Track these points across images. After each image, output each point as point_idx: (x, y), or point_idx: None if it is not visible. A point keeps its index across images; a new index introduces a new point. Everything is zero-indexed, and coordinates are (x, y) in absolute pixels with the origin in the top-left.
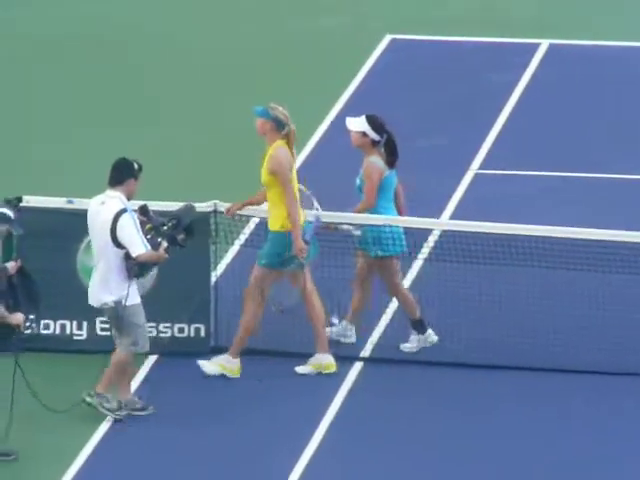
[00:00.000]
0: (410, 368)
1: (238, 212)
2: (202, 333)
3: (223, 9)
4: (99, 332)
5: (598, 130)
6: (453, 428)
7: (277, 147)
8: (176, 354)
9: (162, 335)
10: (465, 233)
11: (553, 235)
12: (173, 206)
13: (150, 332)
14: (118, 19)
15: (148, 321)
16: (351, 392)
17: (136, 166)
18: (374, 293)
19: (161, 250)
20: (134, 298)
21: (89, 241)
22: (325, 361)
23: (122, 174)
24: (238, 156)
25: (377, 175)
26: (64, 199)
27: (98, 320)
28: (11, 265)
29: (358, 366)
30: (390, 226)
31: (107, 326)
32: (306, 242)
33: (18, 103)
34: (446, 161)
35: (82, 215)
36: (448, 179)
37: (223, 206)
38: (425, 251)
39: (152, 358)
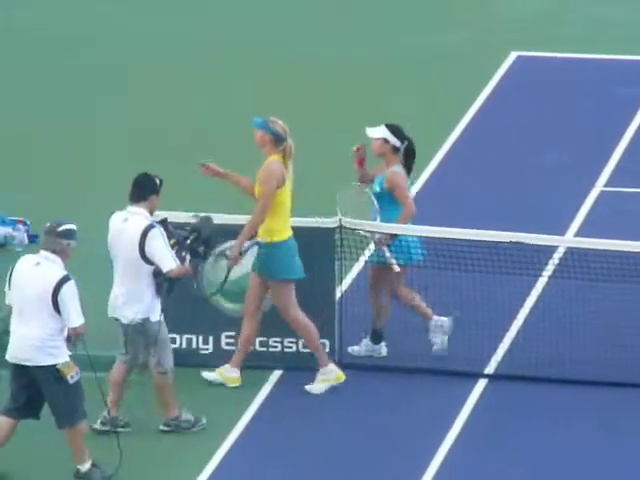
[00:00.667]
0: (532, 385)
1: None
2: (327, 348)
3: (351, 24)
4: (224, 346)
5: None
6: (581, 444)
7: (271, 161)
8: (301, 369)
9: (287, 350)
10: (587, 250)
11: None
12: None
13: (275, 347)
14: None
15: (275, 336)
16: (475, 408)
17: (158, 181)
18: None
19: (187, 264)
20: (160, 315)
21: (214, 257)
22: (333, 373)
23: (145, 190)
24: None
25: (404, 182)
26: (190, 214)
27: (224, 335)
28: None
29: (482, 383)
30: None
31: (232, 340)
32: (240, 254)
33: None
34: (571, 178)
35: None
36: (573, 196)
37: (348, 222)
38: (550, 268)
39: (277, 373)
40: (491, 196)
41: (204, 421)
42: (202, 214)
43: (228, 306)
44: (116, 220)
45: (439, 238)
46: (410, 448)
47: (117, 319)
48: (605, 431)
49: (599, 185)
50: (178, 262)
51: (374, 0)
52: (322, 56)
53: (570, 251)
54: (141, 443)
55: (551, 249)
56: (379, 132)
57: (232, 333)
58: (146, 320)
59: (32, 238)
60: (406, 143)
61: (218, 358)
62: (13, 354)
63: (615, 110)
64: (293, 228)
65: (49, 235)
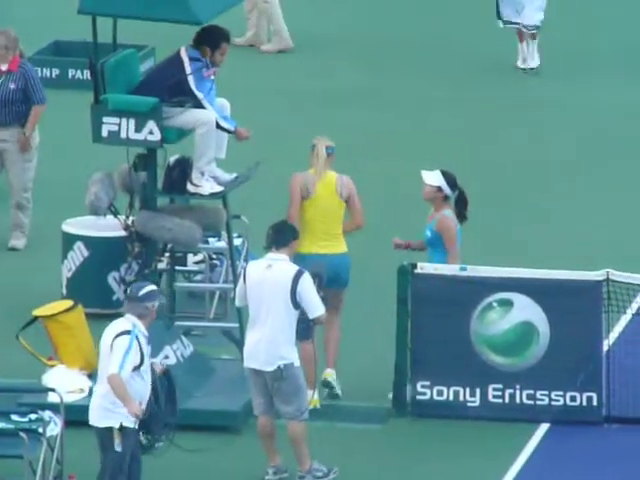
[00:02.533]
0: None
1: None
2: (594, 402)
3: None
4: (491, 399)
5: None
6: None
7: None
8: (568, 423)
9: (554, 404)
10: None
11: None
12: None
13: (543, 400)
14: None
15: (542, 389)
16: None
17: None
18: None
19: None
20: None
21: (483, 308)
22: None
23: (286, 236)
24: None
25: (455, 228)
26: (457, 266)
27: (491, 387)
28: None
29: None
30: None
31: (499, 393)
32: None
33: None
34: None
35: (474, 282)
36: None
37: (615, 275)
38: None
39: (544, 426)
40: None
41: (336, 469)
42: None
43: (496, 359)
44: (258, 268)
45: None
46: None
47: (253, 368)
48: None
49: None
50: (324, 308)
51: None
52: None
53: None
54: None
55: None
56: (434, 179)
57: (499, 386)
58: (290, 366)
59: None
60: (457, 192)
61: (485, 410)
62: None
63: None
64: (558, 282)
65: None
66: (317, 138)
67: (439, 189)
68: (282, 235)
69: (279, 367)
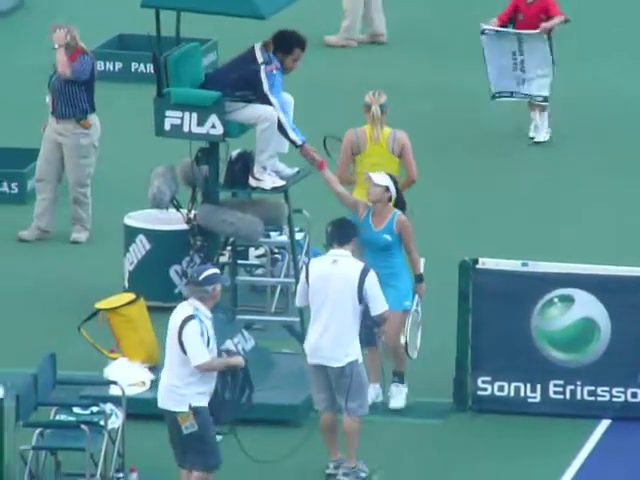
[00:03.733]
0: None
1: None
2: None
3: None
4: (552, 395)
5: None
6: None
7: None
8: (629, 419)
9: (615, 400)
10: None
11: None
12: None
13: (604, 396)
14: None
15: (602, 385)
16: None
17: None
18: None
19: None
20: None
21: (544, 304)
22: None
23: (349, 233)
24: None
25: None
26: (519, 262)
27: (552, 383)
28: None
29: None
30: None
31: (560, 389)
32: None
33: None
34: None
35: (535, 278)
36: None
37: None
38: None
39: (605, 422)
40: None
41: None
42: None
43: (557, 355)
44: (323, 264)
45: None
46: None
47: (317, 364)
48: None
49: None
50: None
51: None
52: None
53: None
54: None
55: None
56: (383, 180)
57: (560, 382)
58: (355, 362)
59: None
60: (395, 196)
61: (546, 406)
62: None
63: None
64: (619, 277)
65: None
66: (369, 96)
67: (387, 189)
68: (344, 232)
69: (346, 364)
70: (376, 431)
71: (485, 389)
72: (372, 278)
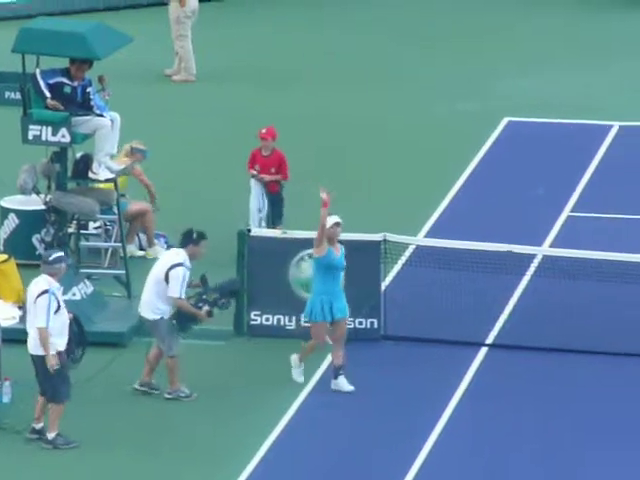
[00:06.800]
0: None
1: None
2: (375, 325)
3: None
4: (303, 324)
5: None
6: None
7: None
8: (357, 340)
9: (347, 327)
10: (558, 257)
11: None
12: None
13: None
14: None
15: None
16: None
17: (195, 235)
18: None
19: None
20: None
21: (298, 259)
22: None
23: (186, 239)
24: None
25: None
26: (280, 231)
27: (303, 315)
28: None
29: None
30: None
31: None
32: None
33: None
34: (547, 206)
35: (293, 242)
36: (545, 219)
37: (390, 236)
38: (531, 271)
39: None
40: (491, 219)
41: (195, 395)
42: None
43: (306, 295)
44: (166, 253)
45: (462, 249)
46: (427, 400)
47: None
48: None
49: (566, 211)
50: (184, 296)
51: (401, 75)
52: (358, 117)
53: (546, 257)
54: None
55: (533, 256)
56: (337, 219)
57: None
58: (160, 320)
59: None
60: None
61: (299, 332)
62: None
63: (578, 158)
64: (347, 241)
65: (45, 264)
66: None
67: (338, 224)
68: (184, 239)
69: (152, 319)
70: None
71: (256, 320)
72: (177, 272)
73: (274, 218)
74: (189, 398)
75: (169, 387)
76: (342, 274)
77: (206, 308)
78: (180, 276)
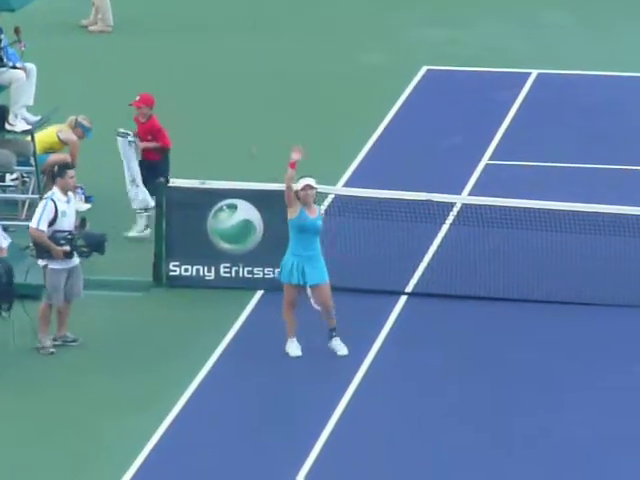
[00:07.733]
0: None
1: None
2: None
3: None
4: (222, 274)
5: (568, 133)
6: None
7: None
8: (277, 290)
9: (266, 277)
10: (478, 205)
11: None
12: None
13: (258, 274)
14: None
15: (257, 266)
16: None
17: (56, 168)
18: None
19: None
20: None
21: (216, 210)
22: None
23: (52, 176)
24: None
25: None
26: (199, 181)
27: (222, 266)
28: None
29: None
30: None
31: (228, 270)
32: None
33: None
34: (466, 154)
35: (211, 192)
36: (464, 168)
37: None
38: (450, 219)
39: (259, 292)
40: (410, 169)
41: (80, 340)
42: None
43: (225, 246)
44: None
45: (381, 198)
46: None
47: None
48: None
49: (485, 159)
50: (41, 228)
51: (325, 26)
52: (288, 71)
53: (465, 206)
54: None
55: (452, 204)
56: (309, 180)
57: (228, 264)
58: (44, 267)
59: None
60: None
61: (218, 282)
62: None
63: (496, 107)
64: (270, 191)
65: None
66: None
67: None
68: (49, 178)
69: (41, 265)
70: (94, 302)
71: (175, 270)
72: (41, 203)
73: (148, 186)
74: (44, 350)
75: (56, 332)
76: (317, 238)
77: (67, 248)
78: (41, 207)
